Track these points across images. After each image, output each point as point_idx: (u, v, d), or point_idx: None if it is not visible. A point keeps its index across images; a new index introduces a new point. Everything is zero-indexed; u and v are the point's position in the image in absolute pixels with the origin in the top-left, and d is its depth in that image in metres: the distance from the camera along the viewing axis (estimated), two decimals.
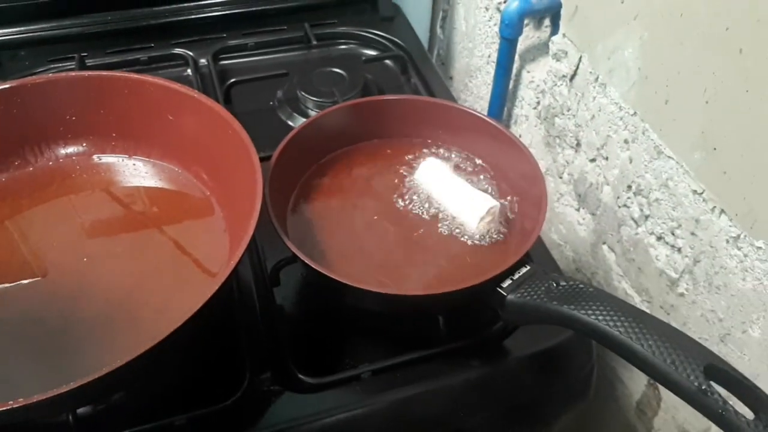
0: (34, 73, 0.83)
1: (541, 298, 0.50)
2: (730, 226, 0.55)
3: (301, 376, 0.55)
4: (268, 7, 0.92)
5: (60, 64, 0.85)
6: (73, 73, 0.64)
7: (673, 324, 0.65)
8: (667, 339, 0.43)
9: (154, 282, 0.58)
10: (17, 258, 0.60)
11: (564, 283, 0.50)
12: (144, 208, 0.64)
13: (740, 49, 0.50)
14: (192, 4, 0.90)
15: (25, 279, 0.58)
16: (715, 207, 0.56)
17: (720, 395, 0.40)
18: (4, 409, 0.39)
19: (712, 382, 0.41)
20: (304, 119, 0.77)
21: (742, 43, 0.50)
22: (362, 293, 0.51)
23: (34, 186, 0.64)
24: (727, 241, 0.56)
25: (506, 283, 0.52)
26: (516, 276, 0.52)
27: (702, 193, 0.58)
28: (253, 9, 0.92)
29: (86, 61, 0.85)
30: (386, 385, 0.56)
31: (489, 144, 0.66)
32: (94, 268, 0.59)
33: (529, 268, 0.53)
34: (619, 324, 0.44)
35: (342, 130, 0.67)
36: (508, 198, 0.63)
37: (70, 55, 0.85)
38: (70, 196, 0.65)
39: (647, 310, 0.70)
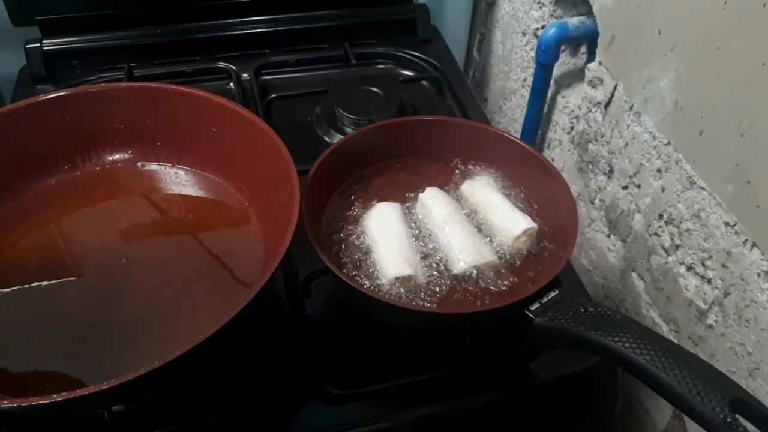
0: (86, 82, 0.87)
1: (569, 323, 0.50)
2: (761, 259, 0.55)
3: (328, 387, 0.56)
4: (310, 26, 0.95)
5: (110, 74, 0.89)
6: (124, 84, 0.68)
7: (701, 356, 0.65)
8: (694, 370, 0.43)
9: (191, 287, 0.60)
10: (61, 258, 0.63)
11: (592, 309, 0.51)
12: (184, 216, 0.67)
13: None
14: (237, 20, 0.94)
15: (67, 278, 0.60)
16: (747, 240, 0.56)
17: (746, 429, 0.40)
18: (50, 401, 0.41)
19: (737, 416, 0.41)
20: (341, 136, 0.80)
21: None
22: (390, 308, 0.52)
23: (81, 189, 0.67)
24: (759, 275, 0.56)
25: (534, 306, 0.52)
26: (544, 299, 0.53)
27: (734, 225, 0.58)
28: (296, 27, 0.95)
29: (134, 71, 0.88)
30: (412, 400, 0.57)
31: (521, 167, 0.67)
32: (133, 270, 0.61)
33: (557, 292, 0.53)
34: (645, 352, 0.45)
35: (377, 147, 0.69)
36: (539, 221, 0.64)
37: (119, 66, 0.89)
38: (114, 200, 0.67)
39: (675, 341, 0.70)
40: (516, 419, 0.59)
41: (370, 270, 0.59)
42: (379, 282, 0.57)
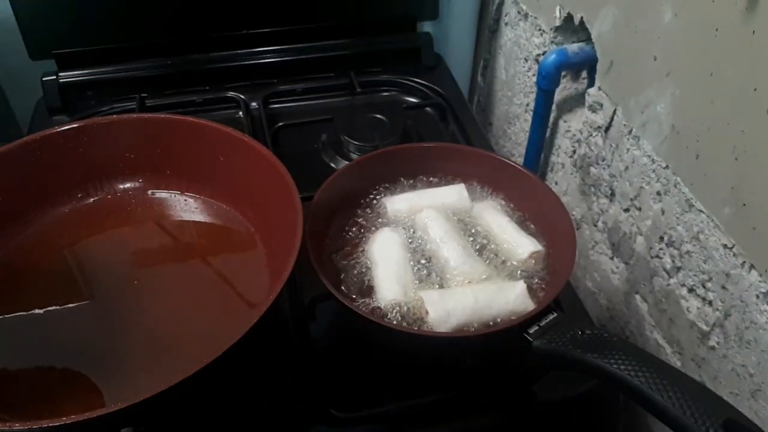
0: (100, 112, 0.89)
1: (566, 346, 0.51)
2: (760, 281, 0.56)
3: (331, 410, 0.57)
4: (316, 55, 0.97)
5: (123, 104, 0.91)
6: (134, 115, 0.70)
7: (704, 377, 0.65)
8: (688, 391, 0.43)
9: (198, 310, 0.62)
10: (73, 283, 0.64)
11: (589, 332, 0.51)
12: (192, 241, 0.68)
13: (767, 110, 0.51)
14: (246, 51, 0.96)
15: (79, 302, 0.62)
16: (745, 262, 0.57)
17: None
18: (56, 424, 0.42)
19: None
20: (347, 162, 0.81)
21: None
22: (388, 331, 0.53)
23: (93, 217, 0.69)
24: (758, 297, 0.56)
25: (533, 329, 0.53)
26: (543, 322, 0.54)
27: (732, 247, 0.58)
28: (303, 57, 0.97)
29: (146, 101, 0.91)
30: (414, 423, 0.58)
31: (522, 191, 0.68)
32: (143, 294, 0.63)
33: (555, 315, 0.54)
34: (640, 374, 0.45)
35: (380, 173, 0.71)
36: (543, 244, 0.65)
37: (132, 96, 0.91)
38: (125, 227, 0.70)
39: (679, 363, 0.70)
40: None
41: (372, 294, 0.60)
42: (379, 306, 0.58)
